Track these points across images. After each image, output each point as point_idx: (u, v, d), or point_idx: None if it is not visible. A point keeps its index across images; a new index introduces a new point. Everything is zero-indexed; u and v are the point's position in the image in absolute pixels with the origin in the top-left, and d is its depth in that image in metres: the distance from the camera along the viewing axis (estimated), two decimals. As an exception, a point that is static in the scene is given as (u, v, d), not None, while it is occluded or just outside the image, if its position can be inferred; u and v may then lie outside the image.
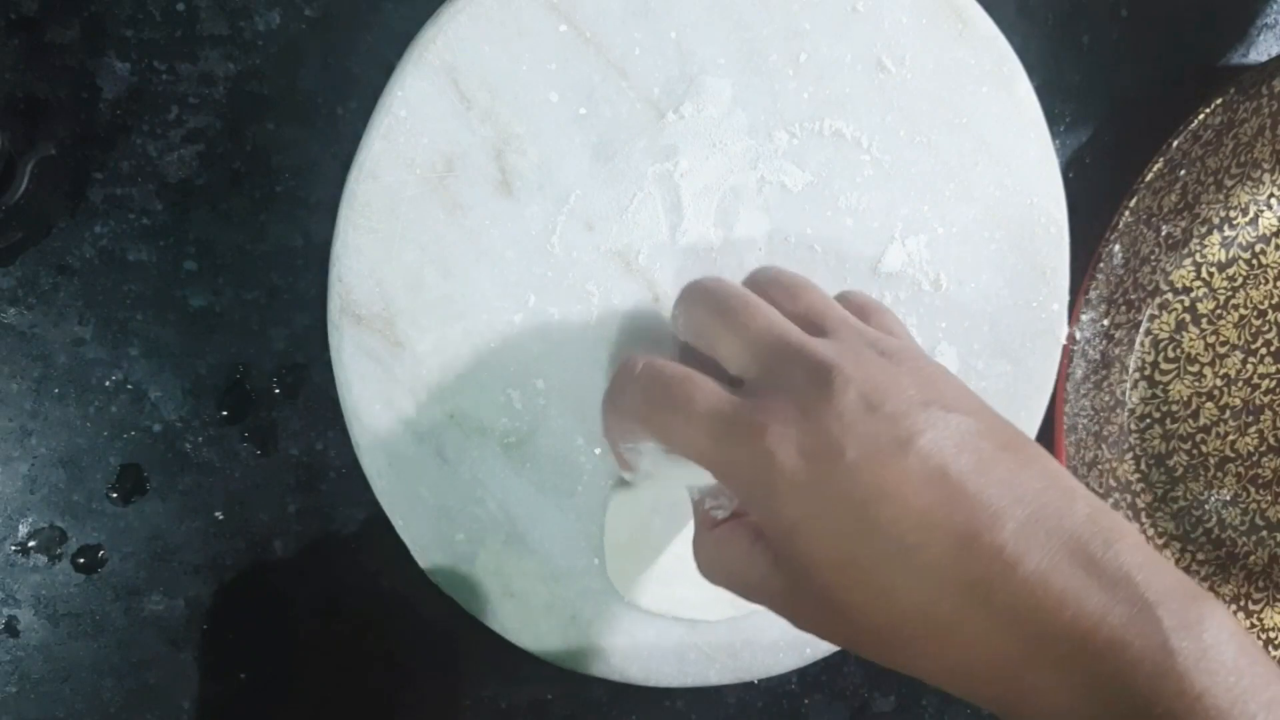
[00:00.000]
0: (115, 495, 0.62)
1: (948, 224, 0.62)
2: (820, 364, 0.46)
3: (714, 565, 0.52)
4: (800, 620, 0.49)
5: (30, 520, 0.62)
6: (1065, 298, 0.66)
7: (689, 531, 0.55)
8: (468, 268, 0.58)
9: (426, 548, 0.61)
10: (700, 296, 0.54)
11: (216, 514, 0.64)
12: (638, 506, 0.61)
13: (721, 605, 0.62)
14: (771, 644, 0.64)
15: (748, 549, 0.49)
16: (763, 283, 0.55)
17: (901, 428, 0.44)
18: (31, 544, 0.62)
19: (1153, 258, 0.72)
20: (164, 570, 0.63)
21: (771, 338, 0.49)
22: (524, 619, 0.62)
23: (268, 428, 0.64)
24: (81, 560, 0.62)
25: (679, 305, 0.55)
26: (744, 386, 0.50)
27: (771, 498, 0.45)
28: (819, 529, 0.44)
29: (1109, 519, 0.43)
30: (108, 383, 0.62)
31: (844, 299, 0.55)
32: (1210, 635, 0.40)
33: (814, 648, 0.65)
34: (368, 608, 0.66)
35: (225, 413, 0.63)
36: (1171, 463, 0.75)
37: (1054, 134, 0.64)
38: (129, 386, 0.62)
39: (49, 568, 0.62)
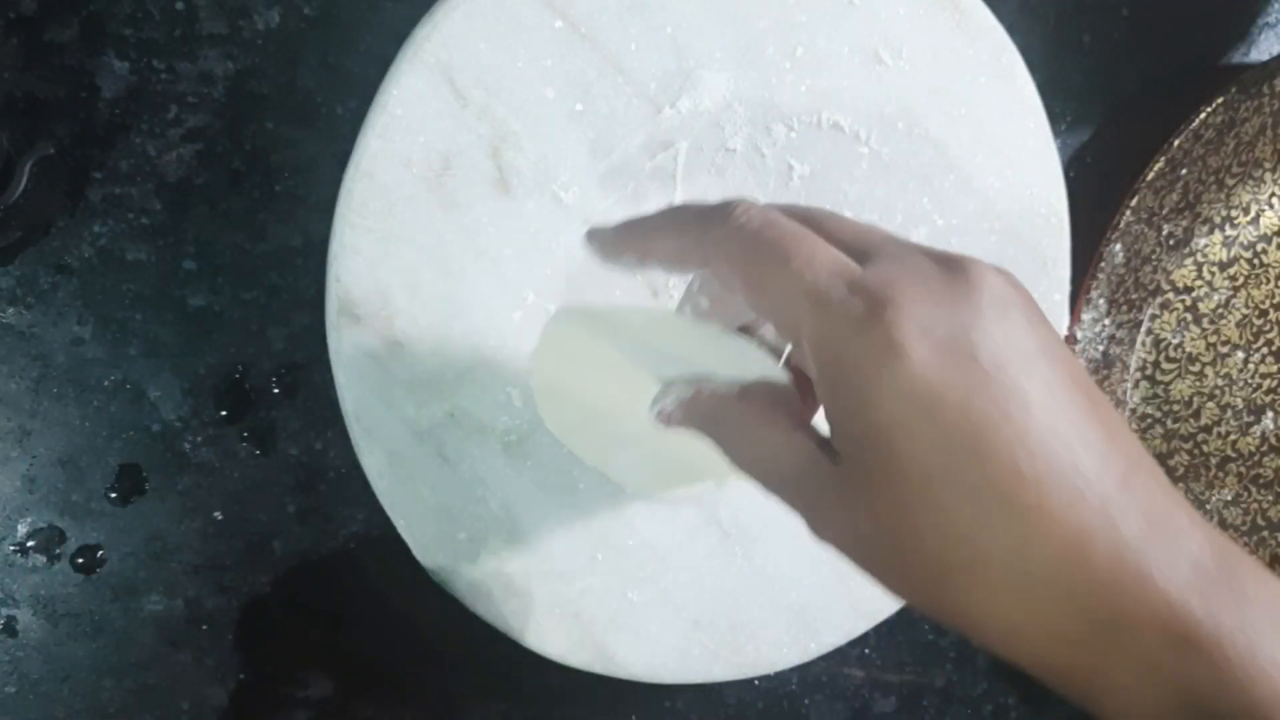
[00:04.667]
0: (114, 495, 0.62)
1: (947, 215, 0.62)
2: (955, 258, 0.41)
3: (741, 444, 0.45)
4: (828, 527, 0.43)
5: (29, 520, 0.62)
6: (1067, 288, 0.66)
7: (625, 384, 0.51)
8: (466, 266, 0.58)
9: (428, 547, 0.61)
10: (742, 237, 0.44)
11: (215, 514, 0.63)
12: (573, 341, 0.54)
13: (656, 475, 0.58)
14: (774, 641, 0.64)
15: (787, 433, 0.43)
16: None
17: (1036, 345, 0.39)
18: (30, 544, 0.62)
19: (1154, 257, 0.72)
20: (163, 570, 0.63)
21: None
22: (526, 617, 0.62)
23: (267, 428, 0.64)
24: (80, 560, 0.62)
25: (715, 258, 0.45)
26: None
27: (873, 387, 0.39)
28: (922, 437, 0.38)
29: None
30: (106, 382, 0.62)
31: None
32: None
33: (817, 644, 0.65)
34: (368, 607, 0.66)
35: (224, 412, 0.63)
36: (1173, 462, 0.75)
37: (1055, 133, 0.64)
38: (128, 386, 0.62)
39: (48, 568, 0.62)
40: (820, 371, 0.41)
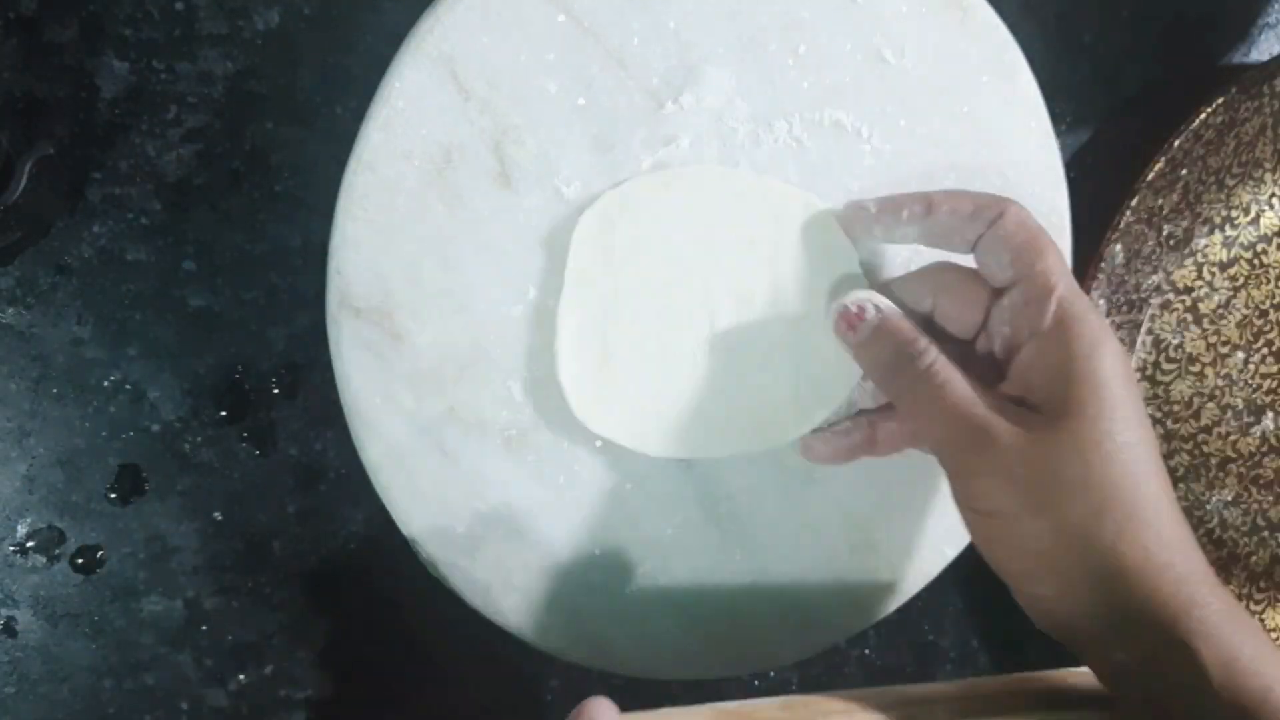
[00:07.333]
0: (114, 495, 0.62)
1: (949, 214, 0.62)
2: None
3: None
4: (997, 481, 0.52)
5: (29, 520, 0.62)
6: (1068, 287, 0.65)
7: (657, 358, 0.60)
8: (467, 260, 0.58)
9: (427, 542, 0.60)
10: None
11: (215, 515, 0.63)
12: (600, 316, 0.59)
13: (680, 443, 0.61)
14: (773, 639, 0.64)
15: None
16: None
17: None
18: (30, 544, 0.62)
19: (1154, 257, 0.72)
20: (162, 571, 0.63)
21: None
22: (525, 612, 0.62)
23: (267, 428, 0.64)
24: (80, 561, 0.62)
25: None
26: None
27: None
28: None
29: None
30: (106, 383, 0.62)
31: None
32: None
33: (816, 642, 0.64)
34: (367, 605, 0.66)
35: (224, 413, 0.63)
36: (1173, 463, 0.75)
37: (1055, 134, 0.64)
38: (127, 386, 0.62)
39: (47, 568, 0.62)
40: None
